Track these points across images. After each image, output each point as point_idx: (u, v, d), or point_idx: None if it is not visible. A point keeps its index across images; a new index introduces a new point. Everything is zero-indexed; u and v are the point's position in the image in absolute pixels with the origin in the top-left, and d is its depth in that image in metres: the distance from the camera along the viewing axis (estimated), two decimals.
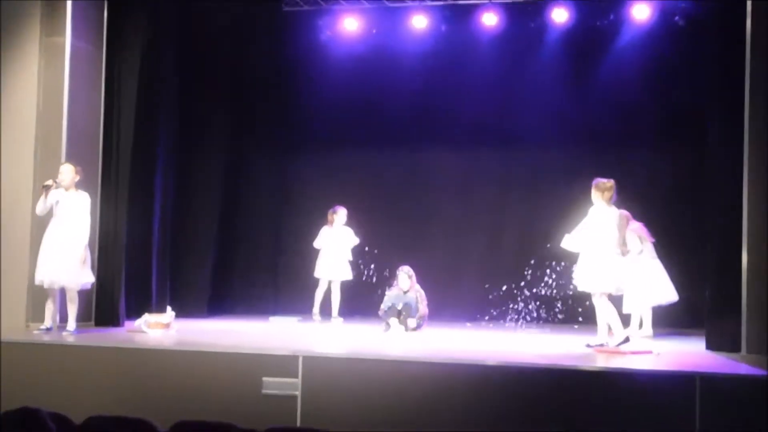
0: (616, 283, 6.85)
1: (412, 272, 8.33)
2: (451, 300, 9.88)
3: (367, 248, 9.79)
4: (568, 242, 6.93)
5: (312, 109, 10.48)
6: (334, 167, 10.61)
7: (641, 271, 7.96)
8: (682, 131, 9.21)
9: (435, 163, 10.41)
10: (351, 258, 9.64)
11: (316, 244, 9.64)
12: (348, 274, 9.61)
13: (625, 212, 7.25)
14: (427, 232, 10.36)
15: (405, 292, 8.25)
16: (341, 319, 9.51)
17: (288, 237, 10.53)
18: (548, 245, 8.42)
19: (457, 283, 10.12)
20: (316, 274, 9.64)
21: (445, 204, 10.43)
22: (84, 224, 7.40)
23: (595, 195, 6.93)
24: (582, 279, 6.90)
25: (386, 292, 8.37)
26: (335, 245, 9.59)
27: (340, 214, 9.64)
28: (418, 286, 8.36)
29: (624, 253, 6.85)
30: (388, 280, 8.55)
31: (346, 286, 9.64)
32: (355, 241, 9.60)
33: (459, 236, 10.31)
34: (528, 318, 9.51)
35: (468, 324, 9.41)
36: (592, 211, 6.94)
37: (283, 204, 10.82)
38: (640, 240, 8.03)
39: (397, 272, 8.41)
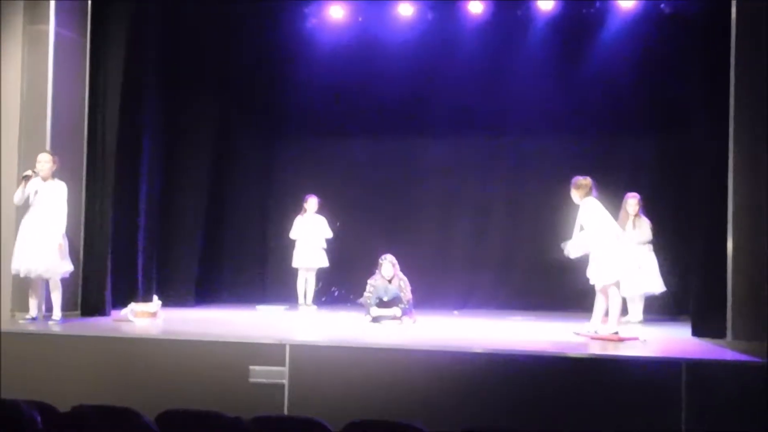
0: (623, 269, 6.87)
1: (395, 260, 8.26)
2: (438, 287, 9.89)
3: (344, 234, 9.80)
4: (572, 249, 6.86)
5: (298, 97, 10.40)
6: (321, 155, 10.57)
7: (637, 258, 7.91)
8: (669, 120, 9.17)
9: (421, 150, 10.41)
10: (325, 246, 9.67)
11: (292, 234, 9.71)
12: (323, 262, 9.70)
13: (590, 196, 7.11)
14: (413, 219, 10.37)
15: (389, 281, 8.16)
16: (315, 307, 9.60)
17: (275, 225, 10.44)
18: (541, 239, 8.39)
19: (443, 270, 10.11)
20: (294, 264, 9.72)
21: (430, 191, 10.42)
22: (61, 213, 7.36)
23: (574, 194, 7.01)
24: (594, 275, 6.92)
25: (369, 282, 8.19)
26: (309, 234, 9.64)
27: (311, 203, 9.70)
28: (401, 274, 8.25)
29: (621, 236, 6.86)
30: (370, 268, 8.31)
31: (325, 273, 9.72)
32: (328, 234, 9.63)
33: (445, 223, 10.31)
34: (515, 305, 9.51)
35: (455, 312, 9.43)
36: (580, 211, 6.94)
37: (271, 192, 10.80)
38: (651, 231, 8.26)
39: (380, 261, 8.28)
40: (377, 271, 8.25)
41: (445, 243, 10.31)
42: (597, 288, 7.02)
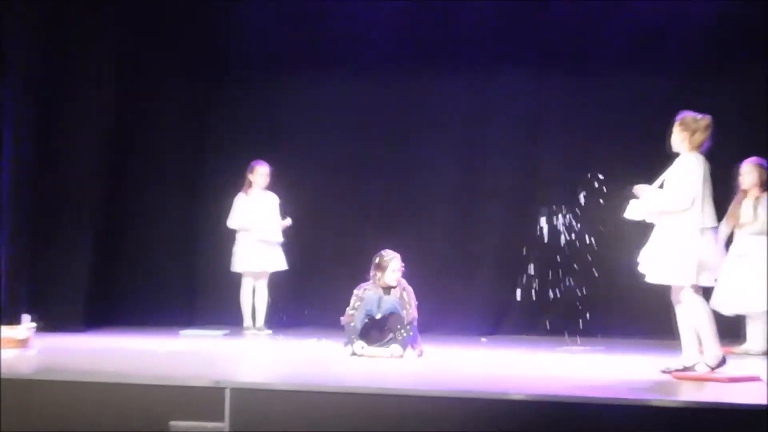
0: (708, 270, 6.70)
1: (399, 261, 8.16)
2: (458, 303, 10.10)
3: (315, 225, 10.01)
4: (632, 208, 6.77)
5: (238, 15, 10.50)
6: (275, 103, 10.65)
7: (749, 258, 8.17)
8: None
9: (433, 93, 10.46)
10: (281, 239, 9.83)
11: (232, 222, 9.90)
12: (279, 263, 9.88)
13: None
14: (421, 203, 10.51)
15: (387, 290, 8.14)
16: (268, 332, 9.83)
17: (207, 212, 10.53)
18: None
19: (465, 279, 10.29)
20: (236, 266, 9.91)
21: (447, 162, 10.55)
22: None
23: (675, 136, 6.79)
24: (652, 266, 6.79)
25: (356, 292, 8.17)
26: (257, 222, 9.78)
27: (259, 173, 9.83)
28: (404, 281, 8.21)
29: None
30: (360, 273, 8.34)
31: (280, 283, 9.84)
32: (286, 222, 9.82)
33: (468, 211, 10.48)
34: (569, 331, 9.58)
35: (483, 339, 9.61)
36: (675, 164, 6.79)
37: (201, 163, 10.86)
38: None
39: (377, 259, 8.19)
40: (372, 273, 8.18)
41: (467, 240, 10.43)
42: (648, 279, 6.83)
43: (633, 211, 6.79)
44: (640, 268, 6.88)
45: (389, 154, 10.68)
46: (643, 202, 6.75)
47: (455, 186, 10.57)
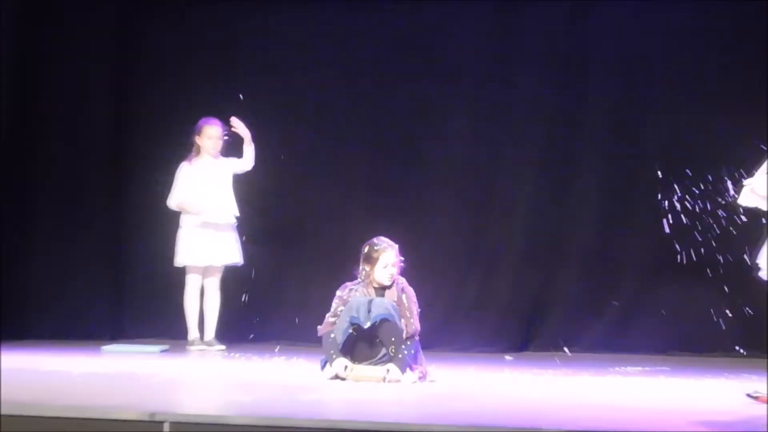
0: None
1: (396, 253, 8.10)
2: (474, 313, 10.41)
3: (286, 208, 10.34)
4: (747, 196, 7.00)
5: None
6: (226, 37, 10.93)
7: None
8: None
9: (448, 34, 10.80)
10: (236, 216, 9.90)
11: (171, 200, 9.98)
12: (233, 256, 9.96)
13: None
14: (423, 183, 10.80)
15: (380, 291, 8.04)
16: (220, 347, 9.91)
17: (139, 195, 10.66)
18: None
19: (486, 280, 10.56)
20: (181, 260, 9.95)
21: (459, 133, 10.84)
22: None
23: None
24: None
25: (339, 293, 8.08)
26: (208, 198, 9.88)
27: (209, 135, 9.94)
28: (403, 281, 8.12)
29: None
30: (345, 268, 8.33)
31: (235, 282, 10.00)
32: (232, 217, 9.98)
33: (491, 196, 10.81)
34: (619, 345, 10.04)
35: (508, 357, 9.81)
36: None
37: (127, 117, 11.04)
38: None
39: (365, 249, 8.12)
40: (360, 268, 8.10)
41: (487, 229, 10.71)
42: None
43: (746, 197, 7.05)
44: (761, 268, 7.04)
45: (386, 109, 10.85)
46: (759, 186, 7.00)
47: (472, 159, 10.77)
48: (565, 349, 10.18)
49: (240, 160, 10.07)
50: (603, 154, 10.79)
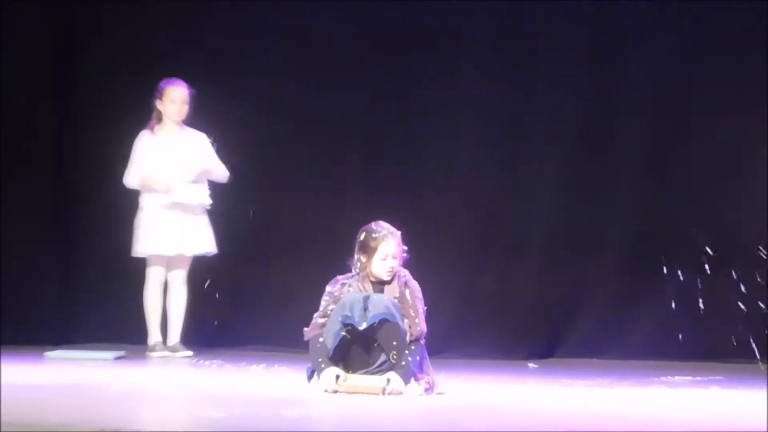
0: None
1: (398, 241, 7.96)
2: (490, 313, 10.47)
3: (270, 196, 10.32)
4: None
5: None
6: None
7: None
8: None
9: None
10: (210, 202, 9.94)
11: (129, 177, 9.93)
12: (206, 244, 9.95)
13: None
14: (431, 164, 10.83)
15: (379, 286, 7.89)
16: (187, 353, 9.90)
17: (88, 173, 10.71)
18: None
19: (503, 276, 10.64)
20: (139, 250, 9.91)
21: (475, 105, 10.90)
22: None
23: None
24: None
25: (329, 288, 7.92)
26: (170, 176, 9.86)
27: (173, 98, 9.92)
28: (406, 273, 7.95)
29: None
30: (336, 259, 8.23)
31: (204, 276, 10.11)
32: (220, 174, 10.06)
33: (504, 185, 10.89)
34: (663, 350, 10.12)
35: (531, 364, 9.93)
36: None
37: (72, 93, 11.05)
38: None
39: (361, 236, 7.97)
40: (354, 258, 7.98)
41: (506, 217, 10.79)
42: None
43: None
44: None
45: (387, 80, 10.89)
46: None
47: (489, 135, 10.79)
48: (598, 355, 10.29)
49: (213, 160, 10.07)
50: (649, 129, 10.80)
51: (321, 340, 7.76)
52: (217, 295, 10.38)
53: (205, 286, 10.43)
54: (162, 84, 9.89)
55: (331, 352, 7.74)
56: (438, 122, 10.86)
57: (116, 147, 10.14)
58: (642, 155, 10.79)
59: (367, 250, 7.89)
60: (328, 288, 7.92)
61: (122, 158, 10.04)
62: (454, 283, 10.22)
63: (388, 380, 7.58)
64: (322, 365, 7.72)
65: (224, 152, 10.24)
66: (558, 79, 10.85)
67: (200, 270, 10.24)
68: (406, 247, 7.98)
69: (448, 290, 9.94)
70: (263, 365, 9.17)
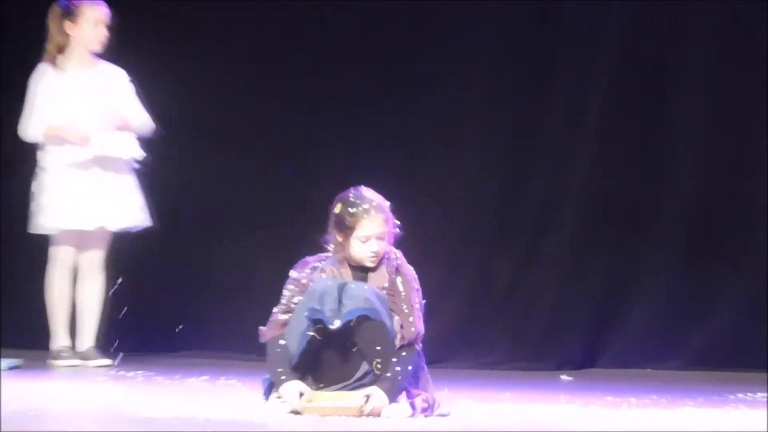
0: None
1: (385, 217, 7.63)
2: (509, 313, 10.69)
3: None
4: None
5: None
6: None
7: None
8: None
9: None
10: (142, 154, 9.83)
11: (30, 127, 9.67)
12: (134, 215, 9.75)
13: None
14: (436, 132, 11.09)
15: (360, 272, 7.56)
16: (108, 361, 9.76)
17: None
18: None
19: (528, 273, 10.87)
20: (39, 224, 9.73)
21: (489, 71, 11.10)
22: None
23: None
24: None
25: (292, 274, 7.57)
26: (82, 123, 9.64)
27: (93, 15, 9.57)
28: (398, 256, 7.59)
29: None
30: (305, 236, 7.99)
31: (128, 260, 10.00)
32: (141, 126, 9.82)
33: (524, 159, 11.23)
34: (727, 362, 10.41)
35: (564, 376, 10.05)
36: None
37: None
38: None
39: (336, 208, 7.58)
40: (329, 235, 7.66)
41: (531, 195, 11.06)
42: None
43: None
44: None
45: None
46: None
47: (505, 85, 11.06)
48: (652, 364, 10.51)
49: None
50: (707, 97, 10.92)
51: (282, 342, 7.48)
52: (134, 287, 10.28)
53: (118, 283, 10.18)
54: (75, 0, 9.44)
55: (295, 359, 7.44)
56: (444, 67, 11.08)
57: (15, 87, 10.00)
58: (697, 134, 11.12)
59: (343, 228, 7.64)
60: (293, 273, 7.61)
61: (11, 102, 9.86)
62: (461, 271, 10.24)
63: (368, 397, 7.26)
64: (282, 377, 7.40)
65: (147, 96, 9.96)
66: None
67: (127, 255, 10.09)
68: (398, 222, 7.69)
69: (455, 280, 10.00)
70: (205, 377, 9.05)
